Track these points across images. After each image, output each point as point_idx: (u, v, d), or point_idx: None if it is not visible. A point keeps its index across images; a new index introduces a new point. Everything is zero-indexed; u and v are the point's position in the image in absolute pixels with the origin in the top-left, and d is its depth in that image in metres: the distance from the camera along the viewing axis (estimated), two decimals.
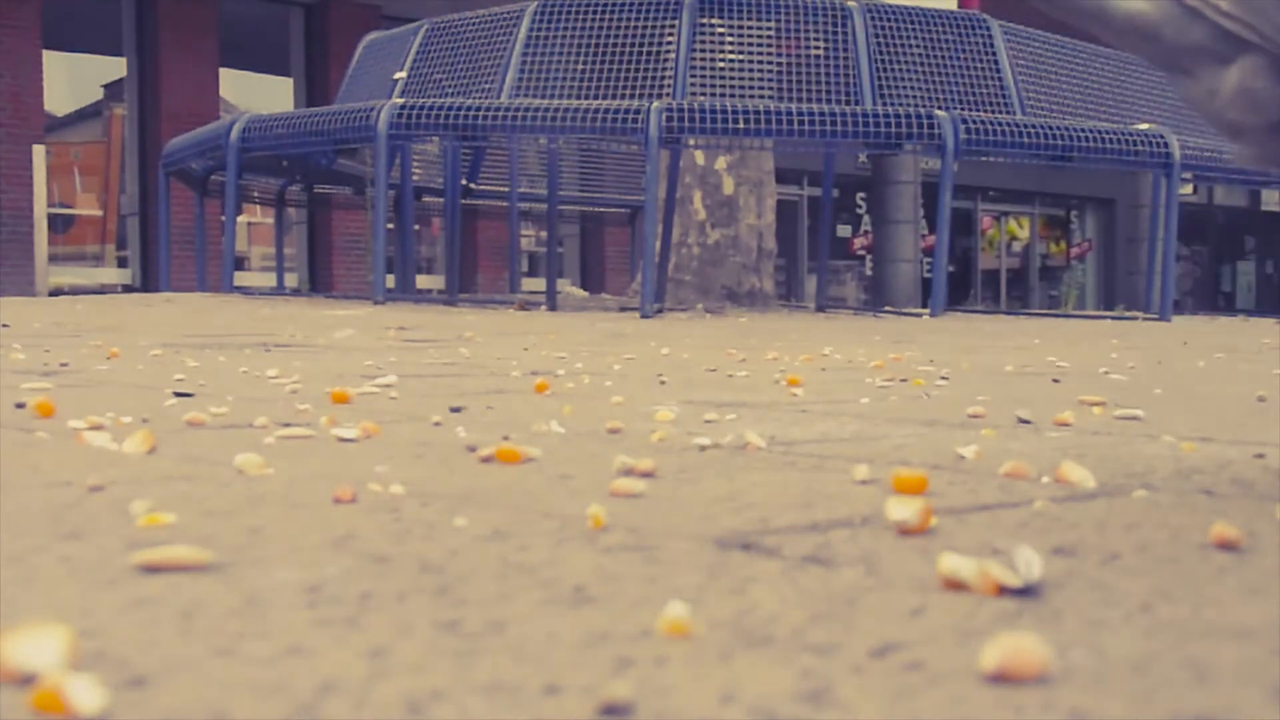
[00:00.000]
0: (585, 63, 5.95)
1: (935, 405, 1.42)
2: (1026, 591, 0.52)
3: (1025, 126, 5.57)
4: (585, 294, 8.10)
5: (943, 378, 1.89)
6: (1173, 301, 6.33)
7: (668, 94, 5.73)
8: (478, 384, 1.66)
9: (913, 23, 6.21)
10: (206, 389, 1.52)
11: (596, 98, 5.74)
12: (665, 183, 5.95)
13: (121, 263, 9.80)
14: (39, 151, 8.33)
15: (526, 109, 5.58)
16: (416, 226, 7.75)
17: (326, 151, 6.66)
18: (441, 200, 7.19)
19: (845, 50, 5.96)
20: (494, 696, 0.38)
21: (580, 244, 11.44)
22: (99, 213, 10.15)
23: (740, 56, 6.05)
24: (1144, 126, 5.97)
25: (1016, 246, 14.87)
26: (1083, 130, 5.66)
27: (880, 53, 5.97)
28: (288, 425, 1.10)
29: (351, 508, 0.70)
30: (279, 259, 8.04)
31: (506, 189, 7.84)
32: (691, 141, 5.79)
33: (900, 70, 6.01)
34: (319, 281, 9.97)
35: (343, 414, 1.20)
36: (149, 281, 9.05)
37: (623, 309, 5.35)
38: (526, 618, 0.48)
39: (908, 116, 5.52)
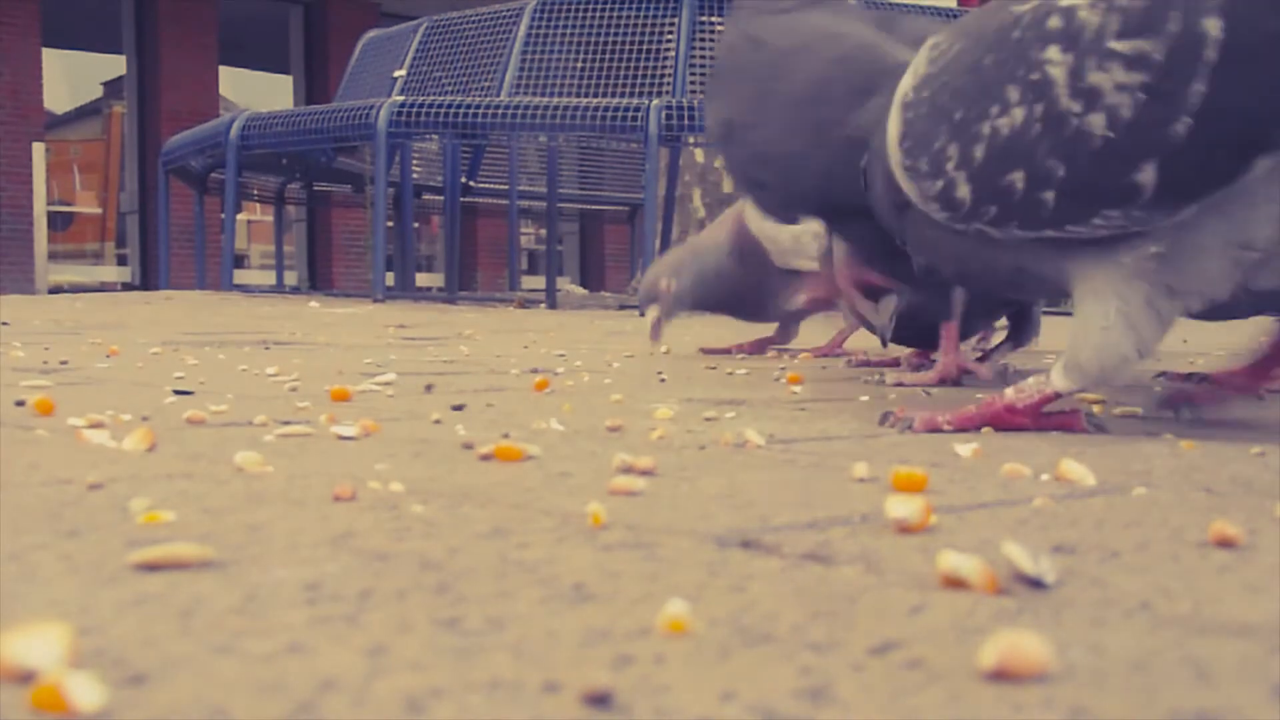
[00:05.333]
0: (585, 60, 5.95)
1: (935, 402, 1.42)
2: (1037, 583, 0.52)
3: None
4: (585, 292, 8.09)
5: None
6: None
7: (667, 92, 5.73)
8: (477, 381, 1.66)
9: None
10: (206, 387, 1.52)
11: (596, 95, 5.74)
12: (665, 181, 5.95)
13: (121, 260, 9.80)
14: (38, 149, 8.33)
15: (526, 107, 5.58)
16: (416, 224, 7.74)
17: (326, 149, 6.65)
18: (441, 198, 7.19)
19: None
20: (493, 694, 0.38)
21: (580, 242, 11.44)
22: (98, 210, 10.15)
23: None
24: None
25: None
26: None
27: None
28: (287, 423, 1.10)
29: (351, 505, 0.70)
30: (278, 257, 8.03)
31: (506, 187, 7.84)
32: (691, 139, 5.78)
33: None
34: (319, 279, 9.98)
35: (342, 411, 1.20)
36: (149, 279, 9.05)
37: (622, 307, 5.35)
38: (526, 615, 0.48)
39: None
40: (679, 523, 0.67)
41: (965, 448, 0.97)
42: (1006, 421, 1.11)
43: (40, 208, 8.29)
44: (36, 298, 6.16)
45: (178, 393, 1.41)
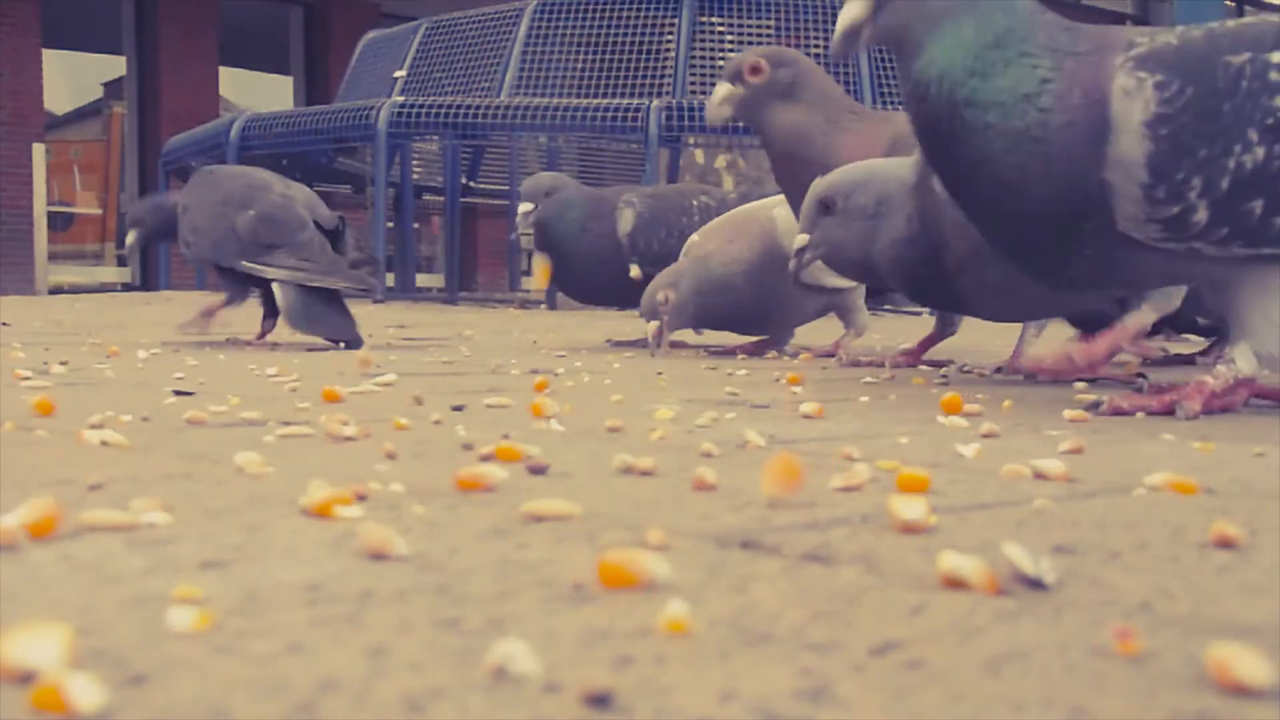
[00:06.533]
0: (585, 61, 5.95)
1: (935, 402, 1.42)
2: (1037, 583, 0.52)
3: None
4: None
5: (942, 376, 1.89)
6: None
7: (667, 92, 5.73)
8: (478, 382, 1.66)
9: None
10: (206, 387, 1.53)
11: (596, 96, 5.74)
12: (665, 181, 5.95)
13: (121, 261, 9.79)
14: (38, 150, 8.32)
15: (526, 107, 5.58)
16: (416, 225, 7.75)
17: (326, 150, 6.65)
18: (441, 198, 7.20)
19: None
20: (494, 694, 0.38)
21: None
22: (99, 211, 10.14)
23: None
24: None
25: None
26: None
27: (880, 51, 5.96)
28: (287, 424, 1.10)
29: (350, 506, 0.70)
30: None
31: (506, 187, 7.84)
32: (691, 140, 5.78)
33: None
34: None
35: (342, 412, 1.20)
36: (149, 280, 9.04)
37: (622, 307, 5.35)
38: (526, 616, 0.48)
39: None
40: (679, 523, 0.67)
41: (968, 448, 0.97)
42: (1212, 403, 1.29)
43: (40, 208, 8.28)
44: (37, 298, 6.16)
45: (178, 393, 1.41)
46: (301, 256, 2.48)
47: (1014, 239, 1.35)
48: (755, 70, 2.12)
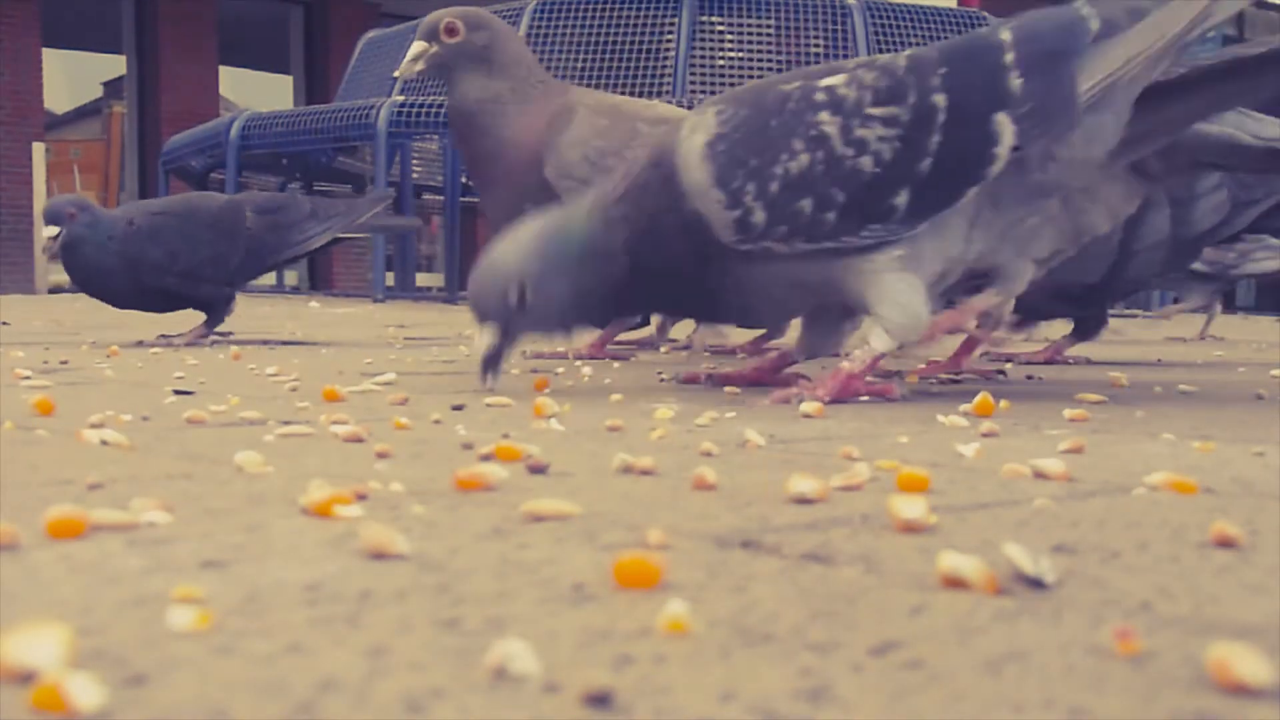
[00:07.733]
0: (584, 60, 5.95)
1: (936, 402, 1.42)
2: (1037, 583, 0.52)
3: None
4: None
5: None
6: (1173, 299, 6.32)
7: (667, 92, 5.72)
8: (477, 381, 1.66)
9: (912, 20, 6.21)
10: (206, 387, 1.53)
11: None
12: None
13: None
14: (38, 149, 8.32)
15: None
16: None
17: (326, 149, 6.65)
18: (441, 198, 7.19)
19: (845, 48, 5.96)
20: (494, 694, 0.38)
21: None
22: None
23: (740, 54, 6.05)
24: None
25: None
26: None
27: (880, 50, 5.96)
28: (287, 423, 1.10)
29: (350, 506, 0.70)
30: None
31: None
32: None
33: None
34: (318, 279, 9.97)
35: (342, 412, 1.20)
36: None
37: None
38: (526, 616, 0.48)
39: None
40: (679, 523, 0.67)
41: (968, 448, 0.97)
42: (851, 389, 1.40)
43: (40, 208, 8.27)
44: (36, 298, 6.15)
45: (178, 393, 1.41)
46: (326, 215, 2.79)
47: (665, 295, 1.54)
48: (451, 31, 2.09)
